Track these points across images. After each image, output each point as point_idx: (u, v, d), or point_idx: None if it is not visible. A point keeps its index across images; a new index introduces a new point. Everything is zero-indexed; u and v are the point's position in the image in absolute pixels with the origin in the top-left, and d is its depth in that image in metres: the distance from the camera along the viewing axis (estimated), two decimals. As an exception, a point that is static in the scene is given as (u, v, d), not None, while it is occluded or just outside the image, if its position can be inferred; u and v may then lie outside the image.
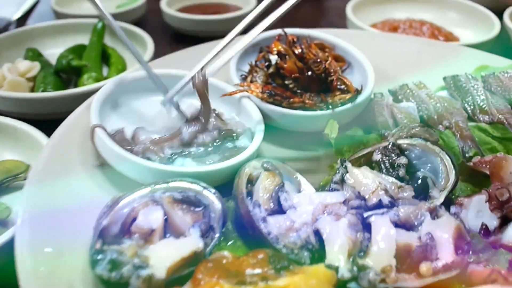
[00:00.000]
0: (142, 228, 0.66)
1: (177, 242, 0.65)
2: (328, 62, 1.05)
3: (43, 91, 1.10)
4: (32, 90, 1.17)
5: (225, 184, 0.80)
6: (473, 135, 0.99)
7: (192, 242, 0.65)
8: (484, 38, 1.40)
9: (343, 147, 0.96)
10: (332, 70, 1.04)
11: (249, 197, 0.76)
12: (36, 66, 1.20)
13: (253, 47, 1.14)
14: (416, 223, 0.73)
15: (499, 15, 1.52)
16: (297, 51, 1.05)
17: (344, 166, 0.83)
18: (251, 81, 1.04)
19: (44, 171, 0.80)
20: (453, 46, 1.32)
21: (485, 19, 1.52)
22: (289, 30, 1.13)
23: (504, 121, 0.99)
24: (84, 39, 1.39)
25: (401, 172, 0.83)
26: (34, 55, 1.30)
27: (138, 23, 1.66)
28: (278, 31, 1.12)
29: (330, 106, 0.98)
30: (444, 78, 1.13)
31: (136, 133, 0.88)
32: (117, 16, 1.50)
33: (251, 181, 0.79)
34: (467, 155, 0.93)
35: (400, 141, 0.87)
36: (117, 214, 0.68)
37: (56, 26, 1.42)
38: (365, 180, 0.80)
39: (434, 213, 0.74)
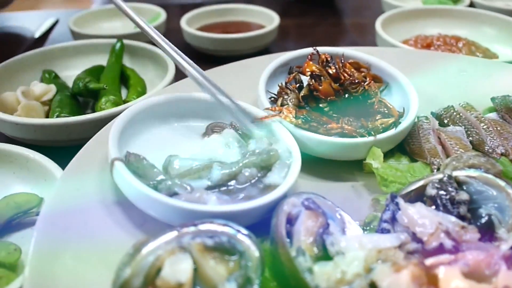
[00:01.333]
0: (169, 281, 0.55)
1: (210, 301, 0.54)
2: (366, 83, 0.94)
3: (58, 115, 1.01)
4: (48, 114, 1.08)
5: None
6: (532, 162, 0.87)
7: (227, 301, 0.54)
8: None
9: (388, 177, 0.84)
10: (372, 92, 0.93)
11: (289, 240, 0.65)
12: (52, 89, 1.11)
13: (281, 68, 1.04)
14: (488, 274, 0.61)
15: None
16: (331, 71, 0.94)
17: (395, 202, 0.71)
18: (282, 105, 0.94)
19: (57, 207, 0.70)
20: (497, 63, 1.20)
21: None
22: (320, 49, 1.03)
23: None
24: (102, 60, 1.31)
25: (462, 210, 0.71)
26: (51, 77, 1.21)
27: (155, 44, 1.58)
28: (309, 49, 1.02)
29: (372, 132, 0.87)
30: (493, 99, 1.01)
31: (170, 162, 0.77)
32: (136, 36, 1.43)
33: (290, 221, 0.68)
34: (529, 186, 0.81)
35: (456, 173, 0.76)
36: (140, 264, 0.57)
37: (73, 46, 1.33)
38: (422, 219, 0.68)
39: (510, 261, 0.61)
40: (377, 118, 0.90)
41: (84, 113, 1.03)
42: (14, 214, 0.78)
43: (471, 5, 1.72)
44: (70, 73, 1.28)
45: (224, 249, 0.60)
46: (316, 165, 0.88)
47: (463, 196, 0.72)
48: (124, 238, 0.69)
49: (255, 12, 1.67)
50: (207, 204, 0.69)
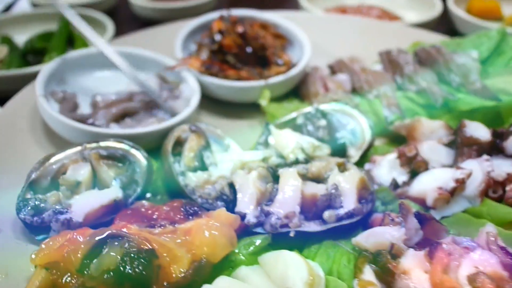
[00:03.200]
0: (69, 180, 0.69)
1: (100, 193, 0.68)
2: (267, 40, 1.07)
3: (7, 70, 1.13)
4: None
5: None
6: (399, 102, 1.01)
7: (113, 192, 0.68)
8: (425, 18, 1.42)
9: (276, 114, 0.98)
10: (269, 46, 1.06)
11: (177, 157, 0.79)
12: (3, 50, 1.22)
13: (202, 29, 1.16)
14: (325, 176, 0.75)
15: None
16: (239, 29, 1.07)
17: (267, 128, 0.85)
18: (197, 58, 1.06)
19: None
20: (391, 25, 1.34)
21: (428, 1, 1.54)
22: (234, 11, 1.15)
23: (428, 89, 1.02)
24: (55, 27, 1.41)
25: (321, 133, 0.85)
26: (4, 40, 1.32)
27: (109, 13, 1.68)
28: (224, 12, 1.14)
29: (266, 78, 1.00)
30: (379, 53, 1.15)
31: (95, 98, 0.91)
32: (89, 6, 1.53)
33: (181, 143, 0.81)
34: (389, 120, 0.96)
35: (322, 107, 0.90)
36: (48, 169, 0.70)
37: (27, 15, 1.43)
38: (285, 140, 0.82)
39: (342, 167, 0.76)
40: (272, 67, 1.04)
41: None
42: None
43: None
44: (25, 37, 1.38)
45: (117, 159, 0.74)
46: (220, 106, 1.02)
47: (322, 122, 0.86)
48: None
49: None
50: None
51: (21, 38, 1.38)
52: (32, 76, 1.06)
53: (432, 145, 0.83)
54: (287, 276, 0.56)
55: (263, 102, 0.97)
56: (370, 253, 0.61)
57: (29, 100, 0.92)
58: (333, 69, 1.13)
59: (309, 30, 1.17)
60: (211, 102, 1.01)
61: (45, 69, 0.91)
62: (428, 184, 0.75)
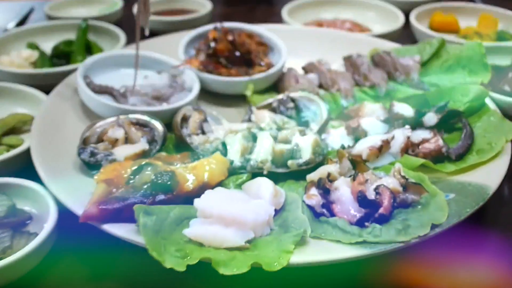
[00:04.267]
0: (110, 137, 1.09)
1: (132, 146, 1.09)
2: (251, 46, 1.50)
3: (41, 70, 1.55)
4: (33, 71, 1.61)
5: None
6: (355, 94, 1.43)
7: (141, 146, 1.09)
8: (387, 30, 1.86)
9: (257, 102, 1.40)
10: (253, 51, 1.49)
11: (184, 128, 1.20)
12: (35, 54, 1.64)
13: (200, 37, 1.59)
14: (290, 139, 1.16)
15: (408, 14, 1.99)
16: (230, 37, 1.50)
17: (250, 109, 1.27)
18: (197, 59, 1.49)
19: (45, 114, 1.24)
20: (356, 35, 1.78)
21: (395, 16, 1.99)
22: (226, 24, 1.58)
23: (377, 85, 1.44)
24: (72, 36, 1.84)
25: (290, 113, 1.27)
26: (33, 47, 1.74)
27: (116, 24, 2.11)
28: (218, 24, 1.57)
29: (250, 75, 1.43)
30: (343, 58, 1.58)
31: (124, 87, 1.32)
32: (99, 18, 1.96)
33: (187, 119, 1.22)
34: (345, 106, 1.38)
35: (292, 94, 1.32)
36: (94, 130, 1.11)
37: (49, 26, 1.86)
38: (262, 117, 1.24)
39: (302, 133, 1.17)
40: (256, 67, 1.46)
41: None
42: (17, 123, 1.30)
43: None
44: (47, 45, 1.80)
45: (142, 125, 1.15)
46: (214, 97, 1.44)
47: (290, 105, 1.28)
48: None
49: (195, 1, 2.22)
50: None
51: (43, 45, 1.80)
52: (65, 73, 1.49)
53: (371, 120, 1.25)
54: (259, 191, 0.96)
55: (248, 93, 1.39)
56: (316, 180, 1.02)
57: (69, 89, 1.33)
58: (306, 70, 1.55)
59: (288, 40, 1.60)
60: (208, 94, 1.43)
61: (82, 64, 1.33)
62: (364, 145, 1.16)
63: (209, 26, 1.59)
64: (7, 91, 1.39)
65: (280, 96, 1.32)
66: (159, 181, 0.93)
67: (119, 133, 1.11)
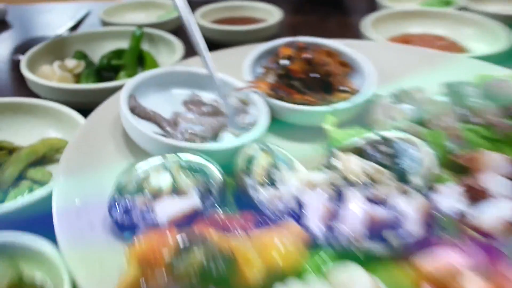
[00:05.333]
0: (153, 187, 0.81)
1: (180, 200, 0.80)
2: (332, 66, 1.18)
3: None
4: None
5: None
6: (462, 135, 1.08)
7: (192, 203, 0.79)
8: (492, 51, 1.48)
9: (339, 138, 1.07)
10: (334, 73, 1.16)
11: (248, 172, 0.90)
12: (81, 65, 1.40)
13: (269, 53, 1.28)
14: (387, 200, 0.83)
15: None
16: (305, 56, 1.19)
17: (331, 152, 0.95)
18: (265, 81, 1.18)
19: (78, 145, 0.97)
20: (456, 57, 1.41)
21: (497, 33, 1.60)
22: (301, 38, 1.27)
23: (494, 123, 1.08)
24: (125, 45, 1.59)
25: (383, 159, 0.94)
26: (81, 56, 1.50)
27: (175, 32, 1.85)
28: (291, 39, 1.27)
29: (331, 104, 1.11)
30: (444, 84, 1.23)
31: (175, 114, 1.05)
32: (157, 26, 1.70)
33: (251, 161, 0.92)
34: (452, 150, 1.03)
35: (385, 133, 0.99)
36: (133, 175, 0.83)
37: (101, 32, 1.62)
38: (349, 164, 0.91)
39: (404, 192, 0.84)
40: (337, 93, 1.14)
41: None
42: (47, 151, 1.05)
43: (465, 8, 1.92)
44: (97, 54, 1.56)
45: (195, 170, 0.85)
46: (285, 129, 1.12)
47: (384, 149, 0.94)
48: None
49: (262, 9, 1.92)
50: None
51: (92, 54, 1.56)
52: (110, 91, 1.22)
53: (494, 177, 0.90)
54: (352, 288, 0.64)
55: (327, 127, 1.07)
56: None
57: (110, 113, 1.06)
58: (397, 99, 1.21)
59: (372, 59, 1.27)
60: (277, 123, 1.12)
61: (129, 83, 1.06)
62: (492, 214, 0.81)
63: (281, 41, 1.28)
64: (40, 109, 1.15)
65: (370, 135, 0.99)
66: (212, 269, 0.63)
67: (164, 181, 0.82)
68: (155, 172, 0.84)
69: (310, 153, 1.07)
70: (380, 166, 0.92)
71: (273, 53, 1.27)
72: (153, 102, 1.09)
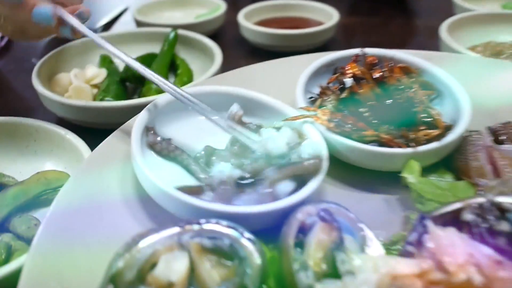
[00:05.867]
0: (160, 280, 0.52)
1: (199, 305, 0.51)
2: (413, 90, 0.86)
3: (101, 99, 1.03)
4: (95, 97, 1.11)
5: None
6: None
7: (216, 308, 0.50)
8: None
9: (425, 194, 0.76)
10: (417, 100, 0.84)
11: (300, 250, 0.60)
12: (102, 74, 1.13)
13: (327, 68, 0.97)
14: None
15: None
16: (377, 74, 0.87)
17: (423, 223, 0.64)
18: (320, 106, 0.88)
19: (75, 192, 0.70)
20: None
21: None
22: (369, 50, 0.95)
23: None
24: (156, 49, 1.32)
25: (502, 242, 0.61)
26: (106, 62, 1.24)
27: (215, 34, 1.57)
28: (357, 50, 0.95)
29: (412, 143, 0.79)
30: None
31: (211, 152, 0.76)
32: (194, 27, 1.42)
33: (304, 230, 0.63)
34: None
35: (501, 199, 0.66)
36: (135, 256, 0.54)
37: (130, 34, 1.35)
38: (451, 247, 0.60)
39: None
40: (420, 128, 0.82)
41: (130, 99, 1.04)
42: (43, 190, 0.79)
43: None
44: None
45: (224, 253, 0.56)
46: (347, 171, 0.82)
47: (505, 227, 0.62)
48: (137, 228, 0.67)
49: (315, 8, 1.60)
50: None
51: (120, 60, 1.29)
52: (127, 109, 0.95)
53: None
54: None
55: (410, 178, 0.75)
56: None
57: (121, 145, 0.79)
58: (498, 135, 0.88)
59: (458, 78, 0.94)
60: (336, 165, 0.81)
61: (145, 113, 0.77)
62: None
63: (343, 53, 0.97)
64: (42, 133, 0.88)
65: (476, 201, 0.66)
66: None
67: (178, 268, 0.53)
68: (167, 251, 0.55)
69: (387, 214, 0.75)
70: (496, 251, 0.60)
71: (332, 68, 0.96)
72: (178, 132, 0.81)
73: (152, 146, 0.75)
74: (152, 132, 0.77)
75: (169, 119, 0.82)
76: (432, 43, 1.57)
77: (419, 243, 0.63)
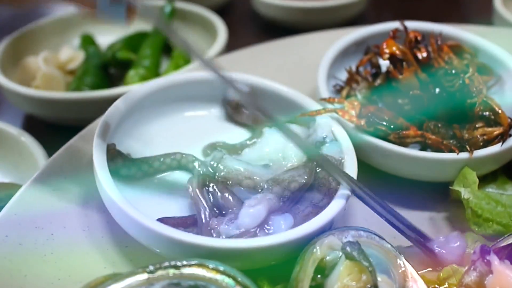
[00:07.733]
0: None
1: None
2: (468, 75, 0.71)
3: (75, 89, 0.91)
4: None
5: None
6: None
7: None
8: None
9: (483, 213, 0.63)
10: (474, 88, 0.70)
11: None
12: (78, 57, 1.01)
13: (356, 47, 0.84)
14: None
15: None
16: (421, 55, 0.73)
17: (486, 260, 0.51)
18: (347, 97, 0.75)
19: (23, 208, 0.59)
20: None
21: None
22: (410, 24, 0.81)
23: None
24: (149, 26, 1.20)
25: None
26: (87, 42, 1.12)
27: (223, 8, 1.45)
28: (395, 24, 0.81)
29: (467, 146, 0.65)
30: None
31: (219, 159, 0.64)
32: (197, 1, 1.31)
33: (323, 270, 0.50)
34: None
35: None
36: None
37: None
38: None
39: None
40: (477, 126, 0.68)
41: (113, 87, 0.93)
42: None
43: None
44: (112, 39, 1.18)
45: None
46: (380, 181, 0.69)
47: None
48: (99, 264, 0.56)
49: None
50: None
51: (107, 39, 1.18)
52: (100, 102, 0.84)
53: None
54: None
55: (464, 192, 0.62)
56: None
57: (82, 153, 0.67)
58: None
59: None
60: (366, 172, 0.68)
61: (108, 114, 0.65)
62: None
63: (377, 27, 0.84)
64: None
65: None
66: None
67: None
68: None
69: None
70: None
71: (364, 48, 0.82)
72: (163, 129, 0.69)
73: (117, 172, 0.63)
74: (112, 151, 0.63)
75: (147, 116, 0.71)
76: (479, 18, 1.44)
77: (479, 285, 0.50)
